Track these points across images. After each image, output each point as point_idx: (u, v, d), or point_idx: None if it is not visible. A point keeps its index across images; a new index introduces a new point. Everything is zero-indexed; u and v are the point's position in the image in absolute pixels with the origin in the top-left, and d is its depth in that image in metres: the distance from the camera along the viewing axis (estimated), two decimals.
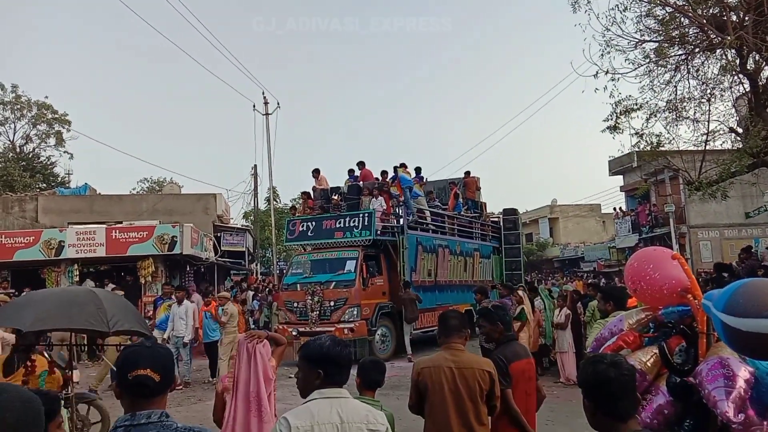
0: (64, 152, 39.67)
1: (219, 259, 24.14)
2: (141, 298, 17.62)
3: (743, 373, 2.57)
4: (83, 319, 4.55)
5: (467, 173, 20.78)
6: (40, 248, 17.83)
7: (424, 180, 18.54)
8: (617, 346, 3.13)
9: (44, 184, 35.95)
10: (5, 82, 37.44)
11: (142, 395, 2.17)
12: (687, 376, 2.79)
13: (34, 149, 39.23)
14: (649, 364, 2.95)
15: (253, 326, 20.35)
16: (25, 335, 5.04)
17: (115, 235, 18.23)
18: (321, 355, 2.71)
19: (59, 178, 38.99)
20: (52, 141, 39.09)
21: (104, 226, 19.08)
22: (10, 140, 38.42)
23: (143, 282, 18.09)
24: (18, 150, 38.25)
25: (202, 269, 23.72)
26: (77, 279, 17.88)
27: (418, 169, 17.95)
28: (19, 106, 37.53)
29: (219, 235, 25.54)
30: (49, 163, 39.50)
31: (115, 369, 2.83)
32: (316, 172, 17.77)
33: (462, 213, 19.22)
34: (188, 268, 21.54)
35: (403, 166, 17.12)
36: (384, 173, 17.00)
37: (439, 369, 3.82)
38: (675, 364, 2.89)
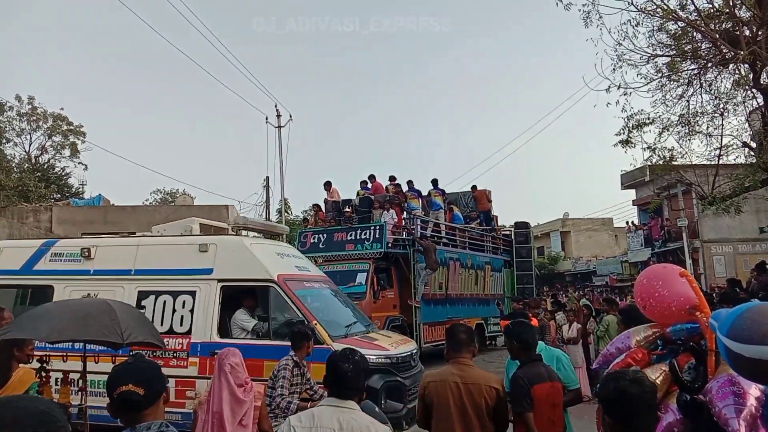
0: (79, 163, 40.16)
1: None
2: None
3: (754, 390, 2.57)
4: (98, 330, 4.60)
5: (474, 187, 20.77)
6: None
7: (445, 192, 18.54)
8: (626, 363, 3.12)
9: (59, 195, 36.32)
10: (22, 93, 38.11)
11: (131, 410, 2.23)
12: (697, 393, 2.78)
13: (49, 160, 39.72)
14: (658, 382, 2.94)
15: None
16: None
17: None
18: (327, 364, 2.88)
19: (73, 189, 39.39)
20: (67, 152, 39.57)
21: (118, 236, 19.20)
22: (25, 151, 38.97)
23: None
24: (33, 161, 38.71)
25: None
26: None
27: (434, 181, 18.00)
28: (35, 118, 38.04)
29: None
30: (63, 173, 39.94)
31: None
32: (327, 185, 17.87)
33: (473, 226, 19.20)
34: None
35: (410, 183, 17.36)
36: (398, 186, 17.06)
37: (445, 383, 3.77)
38: (685, 382, 2.88)
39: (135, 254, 8.10)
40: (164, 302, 7.65)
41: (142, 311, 7.16)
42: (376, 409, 6.39)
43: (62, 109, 39.49)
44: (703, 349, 2.98)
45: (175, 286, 7.68)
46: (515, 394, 3.86)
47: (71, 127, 38.91)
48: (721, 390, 2.61)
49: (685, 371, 2.93)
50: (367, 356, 5.39)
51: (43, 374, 5.41)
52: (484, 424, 3.68)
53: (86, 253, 8.21)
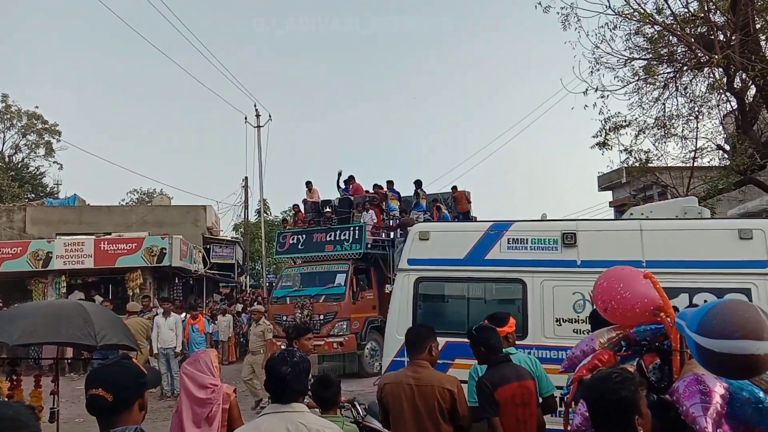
0: (54, 162, 39.63)
1: (208, 271, 24.04)
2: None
3: (719, 389, 2.62)
4: (70, 332, 4.52)
5: (454, 188, 20.85)
6: (27, 259, 17.68)
7: (425, 193, 18.56)
8: (593, 365, 3.17)
9: (33, 195, 35.80)
10: None
11: (101, 414, 2.19)
12: (663, 393, 2.83)
13: (23, 159, 39.11)
14: None
15: (242, 340, 20.28)
16: (13, 349, 4.99)
17: (104, 247, 18.11)
18: (266, 369, 2.79)
19: (48, 189, 38.85)
20: (41, 151, 39.01)
21: (93, 237, 18.98)
22: None
23: (131, 294, 17.98)
24: (7, 160, 38.05)
25: (191, 281, 23.62)
26: (65, 290, 17.73)
27: (418, 182, 18.02)
28: (8, 116, 37.44)
29: (208, 247, 25.46)
30: (38, 173, 39.40)
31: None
32: (308, 185, 17.82)
33: None
34: (177, 281, 21.43)
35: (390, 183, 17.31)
36: (376, 186, 17.06)
37: (399, 386, 3.80)
38: (651, 382, 2.92)
39: (640, 241, 6.45)
40: (704, 302, 6.31)
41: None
42: None
43: (37, 107, 38.91)
44: (667, 349, 3.02)
45: (715, 283, 6.05)
46: (480, 400, 3.85)
47: (46, 126, 38.36)
48: (687, 389, 2.66)
49: (650, 371, 2.98)
50: None
51: (14, 378, 5.30)
52: (438, 425, 3.67)
53: (569, 239, 6.55)
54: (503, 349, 4.50)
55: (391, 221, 16.17)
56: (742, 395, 2.61)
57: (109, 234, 20.29)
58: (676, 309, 3.11)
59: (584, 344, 3.45)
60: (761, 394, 2.58)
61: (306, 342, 5.32)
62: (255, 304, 21.99)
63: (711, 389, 2.60)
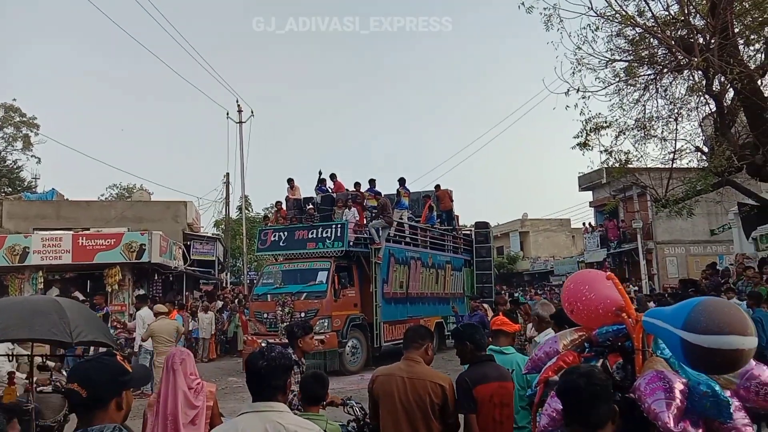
0: (32, 156, 39.03)
1: (188, 267, 23.84)
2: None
3: (678, 384, 2.67)
4: (46, 329, 4.44)
5: (437, 186, 20.90)
6: (3, 254, 17.39)
7: (408, 191, 18.60)
8: (558, 366, 3.21)
9: (10, 189, 35.23)
10: None
11: (77, 409, 2.15)
12: (627, 392, 2.88)
13: (0, 152, 38.42)
14: None
15: (222, 337, 20.15)
16: None
17: (82, 242, 17.87)
18: (245, 365, 2.76)
19: (26, 183, 38.25)
20: (19, 144, 38.36)
21: (71, 232, 18.70)
22: None
23: (110, 290, 17.77)
24: None
25: (171, 278, 23.38)
26: (42, 286, 17.48)
27: (402, 180, 18.04)
28: None
29: (189, 243, 25.25)
30: (15, 167, 38.73)
31: None
32: (290, 182, 17.74)
33: (436, 225, 19.30)
34: (156, 277, 21.23)
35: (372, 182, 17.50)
36: (357, 185, 17.04)
37: (391, 378, 3.79)
38: (615, 381, 2.97)
39: None
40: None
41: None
42: None
43: (14, 100, 38.30)
44: (628, 349, 3.07)
45: None
46: (458, 395, 3.87)
47: (24, 119, 37.75)
48: (649, 386, 2.71)
49: (614, 371, 3.03)
50: None
51: None
52: (428, 421, 3.66)
53: None
54: (503, 347, 4.71)
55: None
56: (699, 389, 2.67)
57: (88, 229, 19.99)
58: (636, 310, 3.18)
59: (548, 346, 3.49)
60: (717, 388, 2.66)
61: (310, 341, 5.33)
62: (236, 301, 21.91)
63: (672, 385, 2.66)
